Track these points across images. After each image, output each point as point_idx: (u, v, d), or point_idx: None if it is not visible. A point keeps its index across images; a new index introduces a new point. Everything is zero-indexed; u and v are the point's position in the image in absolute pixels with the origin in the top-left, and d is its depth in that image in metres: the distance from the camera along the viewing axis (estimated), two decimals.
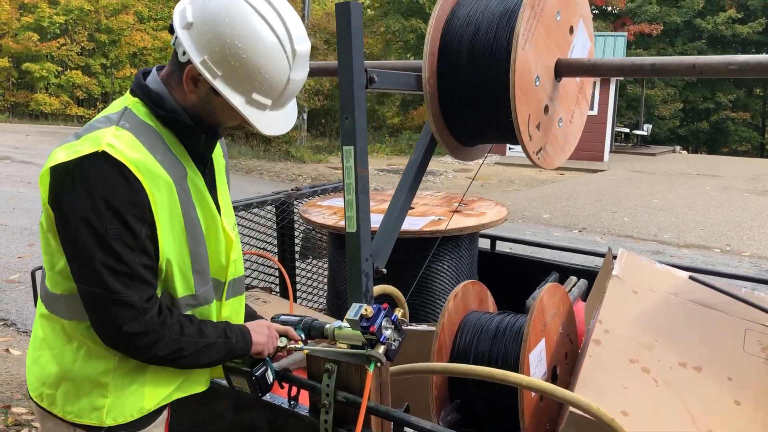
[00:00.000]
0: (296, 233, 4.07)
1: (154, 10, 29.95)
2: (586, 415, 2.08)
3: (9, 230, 8.63)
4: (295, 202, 4.00)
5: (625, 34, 21.56)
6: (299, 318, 2.12)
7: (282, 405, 2.16)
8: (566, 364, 2.66)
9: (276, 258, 3.85)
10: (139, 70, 1.73)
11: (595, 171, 17.28)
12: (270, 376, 1.97)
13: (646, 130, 24.19)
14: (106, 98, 30.16)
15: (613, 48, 19.74)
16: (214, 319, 1.81)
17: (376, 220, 2.92)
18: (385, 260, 2.30)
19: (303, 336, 2.09)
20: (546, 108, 2.28)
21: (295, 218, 4.02)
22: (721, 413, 2.19)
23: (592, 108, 18.82)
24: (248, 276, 3.80)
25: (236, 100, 1.55)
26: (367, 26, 26.52)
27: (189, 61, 1.54)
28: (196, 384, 1.88)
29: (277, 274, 3.99)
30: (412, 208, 3.64)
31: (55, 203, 1.52)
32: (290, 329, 2.06)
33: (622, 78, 20.02)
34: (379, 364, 1.93)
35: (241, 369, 1.91)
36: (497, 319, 2.59)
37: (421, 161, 2.44)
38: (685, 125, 31.82)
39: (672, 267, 2.86)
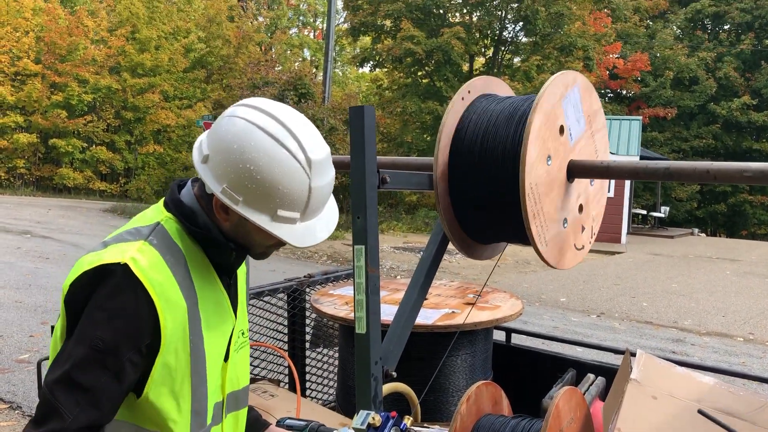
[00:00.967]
0: (307, 321, 4.02)
1: (179, 90, 30.90)
2: None
3: (23, 307, 8.63)
4: (307, 290, 3.96)
5: (640, 117, 21.84)
6: (305, 423, 2.06)
7: None
8: None
9: (285, 351, 3.79)
10: (173, 181, 1.73)
11: (613, 253, 17.14)
12: None
13: (663, 212, 24.14)
14: (129, 173, 30.79)
15: (629, 132, 19.95)
16: None
17: (389, 312, 2.87)
18: (395, 362, 2.24)
19: None
20: (559, 209, 2.27)
21: (307, 306, 3.97)
22: None
23: (608, 190, 18.83)
24: (256, 366, 3.73)
25: (262, 220, 1.55)
26: (386, 107, 27.15)
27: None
28: None
29: (286, 364, 3.91)
30: (426, 299, 3.59)
31: (70, 304, 1.50)
32: None
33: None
34: None
35: None
36: (512, 424, 2.50)
37: (433, 259, 2.41)
38: (702, 207, 31.72)
39: (694, 369, 2.76)
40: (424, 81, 26.17)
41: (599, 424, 2.89)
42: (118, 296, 1.46)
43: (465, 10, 26.18)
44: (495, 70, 25.69)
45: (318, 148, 1.58)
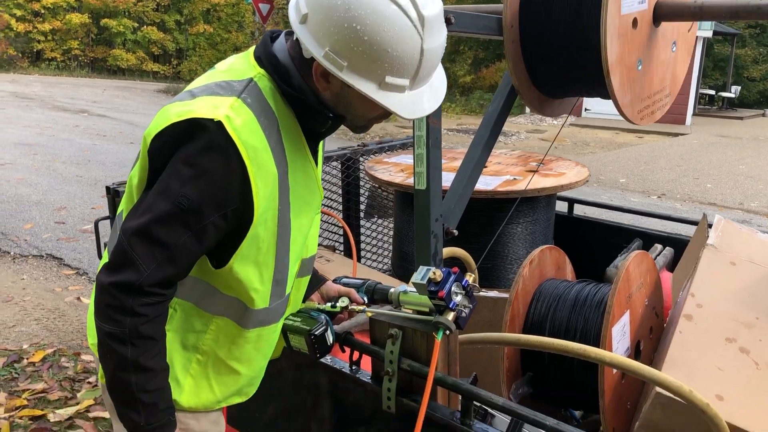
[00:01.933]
0: (361, 191, 3.93)
1: None
2: (676, 398, 1.88)
3: (84, 181, 8.85)
4: (361, 159, 3.85)
5: None
6: (362, 280, 1.99)
7: (343, 369, 2.04)
8: (651, 339, 2.44)
9: (340, 216, 3.73)
10: (266, 31, 1.55)
11: (676, 135, 16.44)
12: (330, 337, 1.85)
13: (734, 92, 22.84)
14: (180, 54, 30.63)
15: None
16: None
17: (446, 179, 2.74)
18: (456, 221, 2.13)
19: (366, 299, 1.96)
20: (642, 58, 2.03)
21: (361, 175, 3.87)
22: None
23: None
24: None
25: (368, 87, 1.36)
26: None
27: (313, 58, 1.38)
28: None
29: (341, 232, 3.87)
30: (485, 167, 3.43)
31: (154, 156, 1.40)
32: (353, 291, 1.93)
33: (710, 35, 18.86)
34: (447, 332, 1.78)
35: (300, 327, 1.80)
36: (576, 288, 2.39)
37: (499, 115, 2.23)
38: None
39: None
40: None
41: (668, 294, 2.76)
42: (208, 154, 1.33)
43: None
44: None
45: (433, 2, 1.34)
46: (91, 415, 3.49)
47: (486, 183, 3.04)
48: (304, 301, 1.94)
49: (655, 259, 3.15)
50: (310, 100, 1.46)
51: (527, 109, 18.21)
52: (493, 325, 2.49)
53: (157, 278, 1.36)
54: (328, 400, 2.16)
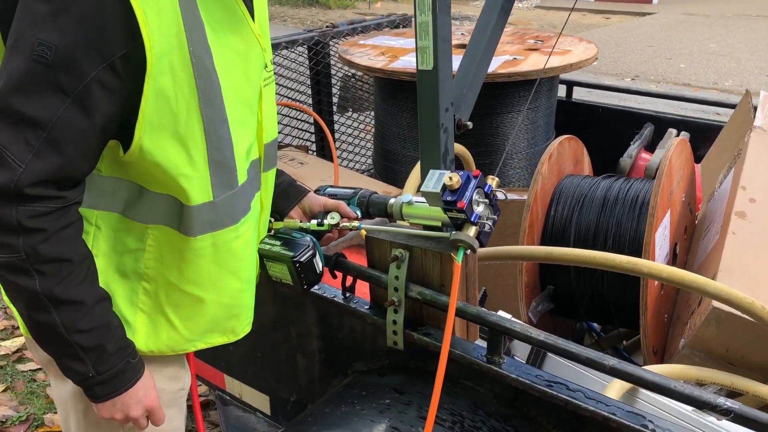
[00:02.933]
0: (333, 81, 3.44)
1: None
2: (735, 312, 1.57)
3: None
4: (331, 43, 3.33)
5: None
6: (353, 190, 1.59)
7: (335, 299, 1.66)
8: (685, 240, 2.12)
9: (311, 110, 3.26)
10: None
11: (644, 14, 15.92)
12: (319, 264, 1.47)
13: None
14: None
15: None
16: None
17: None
18: (469, 110, 1.71)
19: (359, 214, 1.57)
20: None
21: (332, 62, 3.37)
22: None
23: None
24: (279, 132, 3.24)
25: None
26: None
27: None
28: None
29: (312, 130, 3.41)
30: None
31: None
32: (342, 204, 1.53)
33: None
34: (468, 252, 1.41)
35: (280, 253, 1.42)
36: (603, 185, 2.03)
37: None
38: None
39: None
40: None
41: (698, 187, 2.43)
42: None
43: None
44: None
45: None
46: None
47: None
48: (282, 218, 1.54)
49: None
50: None
51: None
52: (502, 233, 2.13)
53: (39, 173, 0.96)
54: (317, 334, 1.81)
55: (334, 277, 1.65)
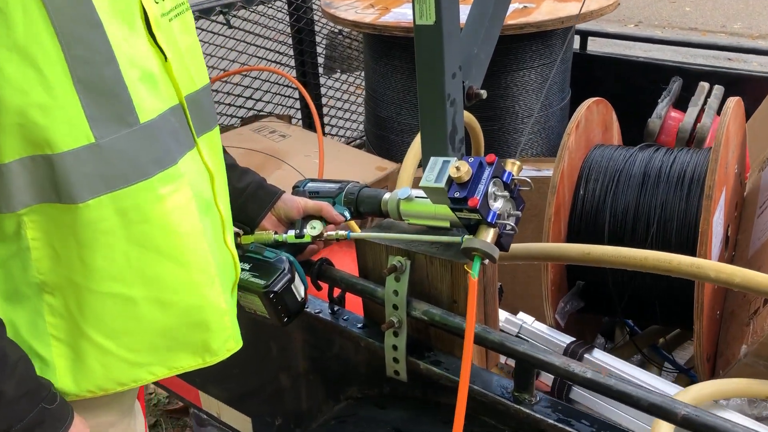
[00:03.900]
0: (318, 39, 3.06)
1: None
2: None
3: None
4: None
5: None
6: (338, 186, 1.28)
7: (320, 315, 1.34)
8: (735, 219, 1.79)
9: (293, 75, 2.89)
10: None
11: None
12: (300, 290, 1.16)
13: None
14: None
15: None
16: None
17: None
18: (482, 75, 1.36)
19: (348, 215, 1.25)
20: None
21: (316, 18, 2.99)
22: None
23: None
24: (258, 100, 2.88)
25: None
26: None
27: None
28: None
29: (297, 95, 3.04)
30: None
31: None
32: (325, 206, 1.21)
33: None
34: (486, 262, 1.08)
35: (250, 281, 1.11)
36: (642, 158, 1.68)
37: None
38: None
39: None
40: None
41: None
42: None
43: None
44: None
45: None
46: None
47: None
48: (252, 229, 1.22)
49: (706, 102, 2.45)
50: None
51: None
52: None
53: None
54: (302, 352, 1.50)
55: (318, 288, 1.34)
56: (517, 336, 1.60)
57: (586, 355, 1.52)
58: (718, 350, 1.63)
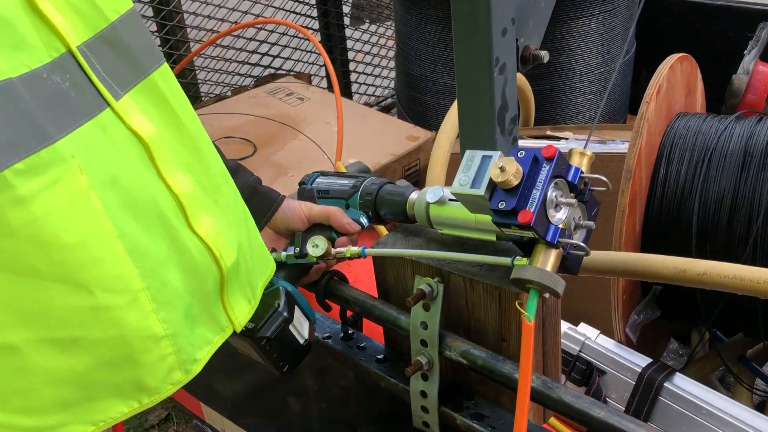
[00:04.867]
0: None
1: None
2: None
3: None
4: None
5: None
6: (352, 183, 0.98)
7: (329, 342, 1.06)
8: None
9: (312, 34, 2.56)
10: None
11: None
12: (303, 329, 0.88)
13: None
14: None
15: None
16: None
17: None
18: (541, 34, 1.02)
19: (365, 221, 0.94)
20: None
21: None
22: None
23: None
24: (276, 56, 2.56)
25: None
26: None
27: None
28: None
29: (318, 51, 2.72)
30: None
31: None
32: (335, 212, 0.91)
33: None
34: (546, 295, 0.81)
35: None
36: (740, 131, 1.32)
37: None
38: None
39: None
40: None
41: None
42: None
43: None
44: None
45: None
46: None
47: None
48: None
49: None
50: None
51: None
52: None
53: None
54: (311, 378, 1.22)
55: (327, 309, 1.05)
56: (578, 355, 1.30)
57: (666, 384, 1.21)
58: None
